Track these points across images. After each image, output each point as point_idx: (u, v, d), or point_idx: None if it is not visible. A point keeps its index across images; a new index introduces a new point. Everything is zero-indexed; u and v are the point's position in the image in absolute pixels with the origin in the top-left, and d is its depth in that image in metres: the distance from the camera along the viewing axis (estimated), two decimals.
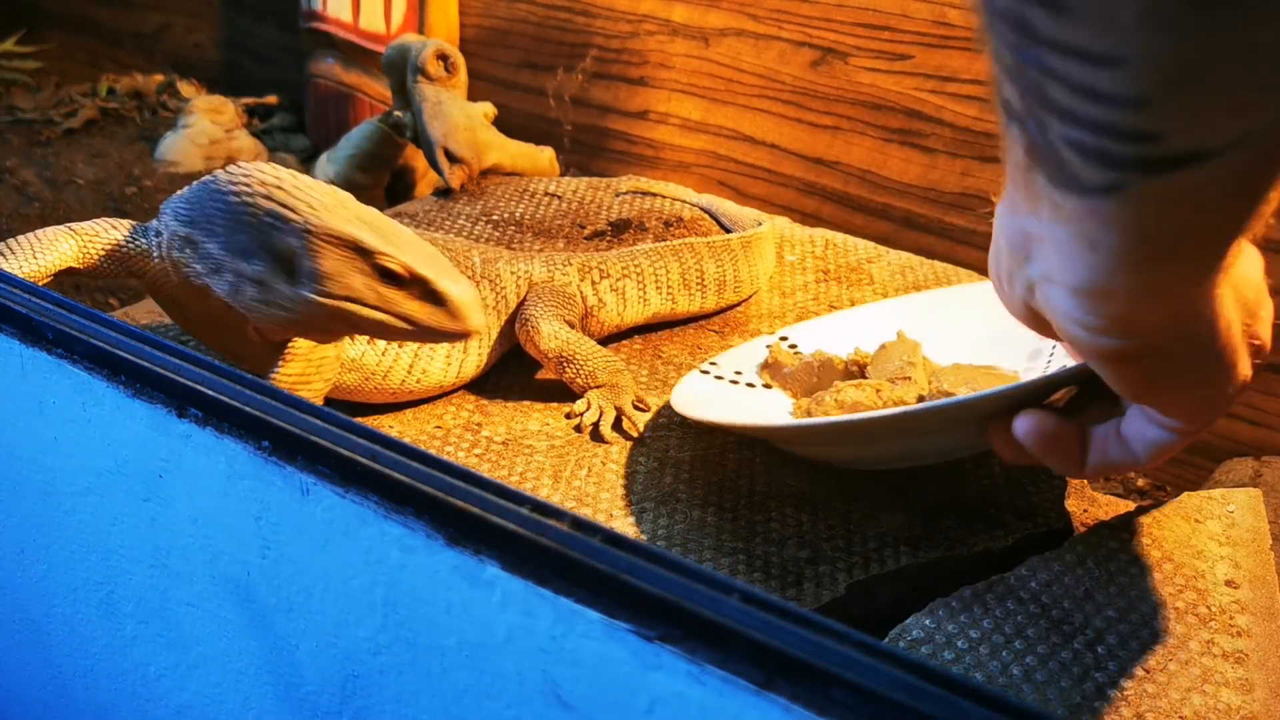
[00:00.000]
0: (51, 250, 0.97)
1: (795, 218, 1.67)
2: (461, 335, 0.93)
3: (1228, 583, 0.93)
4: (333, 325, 0.92)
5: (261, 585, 0.63)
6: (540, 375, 1.23)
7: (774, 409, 1.15)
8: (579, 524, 0.53)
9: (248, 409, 0.61)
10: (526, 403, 1.18)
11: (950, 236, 1.68)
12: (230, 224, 0.92)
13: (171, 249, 0.97)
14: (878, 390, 1.07)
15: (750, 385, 1.18)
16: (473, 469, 0.58)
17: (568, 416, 1.16)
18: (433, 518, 0.56)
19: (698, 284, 1.33)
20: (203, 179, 0.98)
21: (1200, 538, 0.98)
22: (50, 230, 0.99)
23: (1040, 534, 1.02)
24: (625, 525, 1.01)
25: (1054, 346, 1.10)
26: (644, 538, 1.00)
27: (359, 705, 0.62)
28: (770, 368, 1.18)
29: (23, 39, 2.72)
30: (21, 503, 0.75)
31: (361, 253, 0.90)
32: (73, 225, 1.00)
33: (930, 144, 1.68)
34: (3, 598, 0.82)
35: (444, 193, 1.67)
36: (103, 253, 1.00)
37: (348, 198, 0.94)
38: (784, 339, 1.24)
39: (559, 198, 1.63)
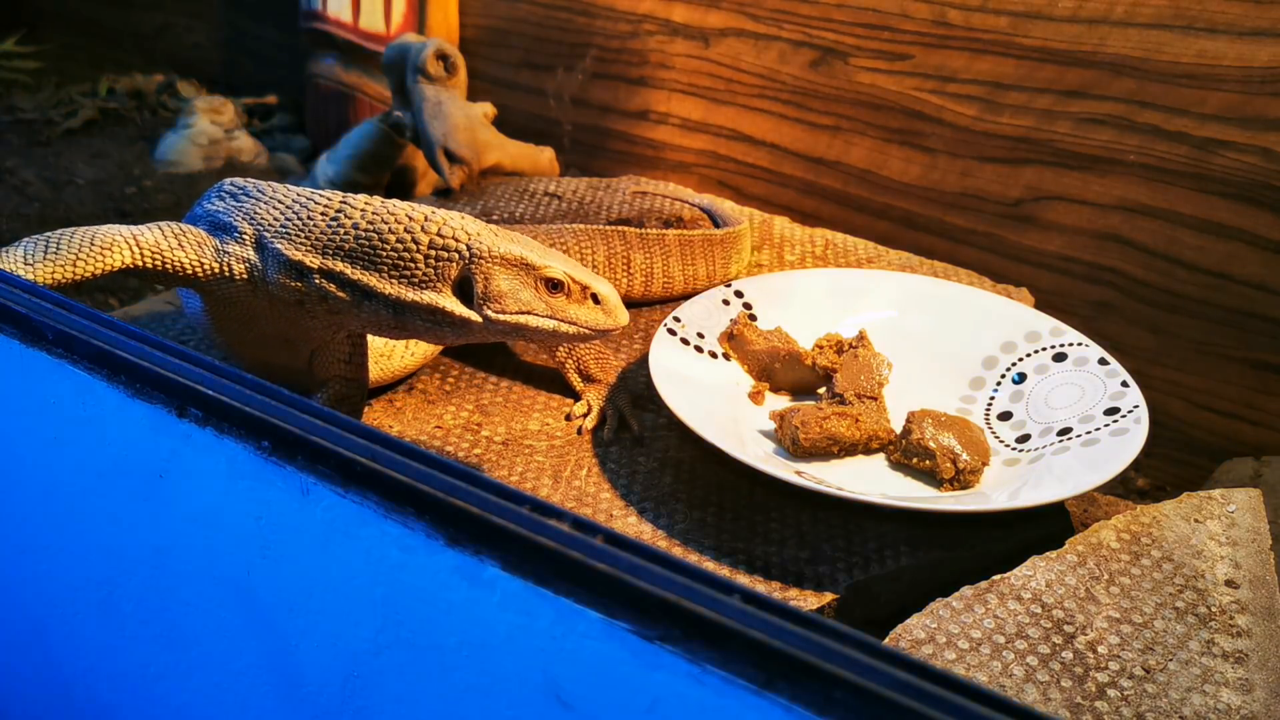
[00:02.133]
0: (101, 259, 0.95)
1: (795, 218, 1.67)
2: (614, 330, 1.00)
3: (1228, 583, 0.93)
4: (506, 338, 0.99)
5: (262, 585, 0.63)
6: (530, 356, 1.23)
7: (731, 388, 1.18)
8: (579, 524, 0.53)
9: (247, 409, 0.61)
10: (526, 403, 1.18)
11: (951, 236, 1.68)
12: (394, 257, 0.95)
13: (289, 277, 0.97)
14: (856, 420, 1.10)
15: (712, 355, 1.21)
16: (473, 469, 0.58)
17: (568, 419, 1.16)
18: (433, 518, 0.56)
19: (624, 269, 1.36)
20: (311, 202, 0.98)
21: (1200, 537, 0.98)
22: (108, 233, 0.96)
23: (1040, 534, 1.02)
24: (625, 525, 1.01)
25: (999, 380, 1.20)
26: (644, 538, 1.00)
27: (359, 705, 0.62)
28: (734, 340, 1.21)
29: (23, 39, 2.72)
30: (23, 503, 0.75)
31: (527, 268, 0.96)
32: (136, 234, 0.97)
33: (930, 144, 1.68)
34: (5, 598, 0.81)
35: (444, 193, 1.67)
36: (162, 267, 0.98)
37: (478, 221, 0.99)
38: (739, 295, 1.28)
39: (559, 198, 1.63)
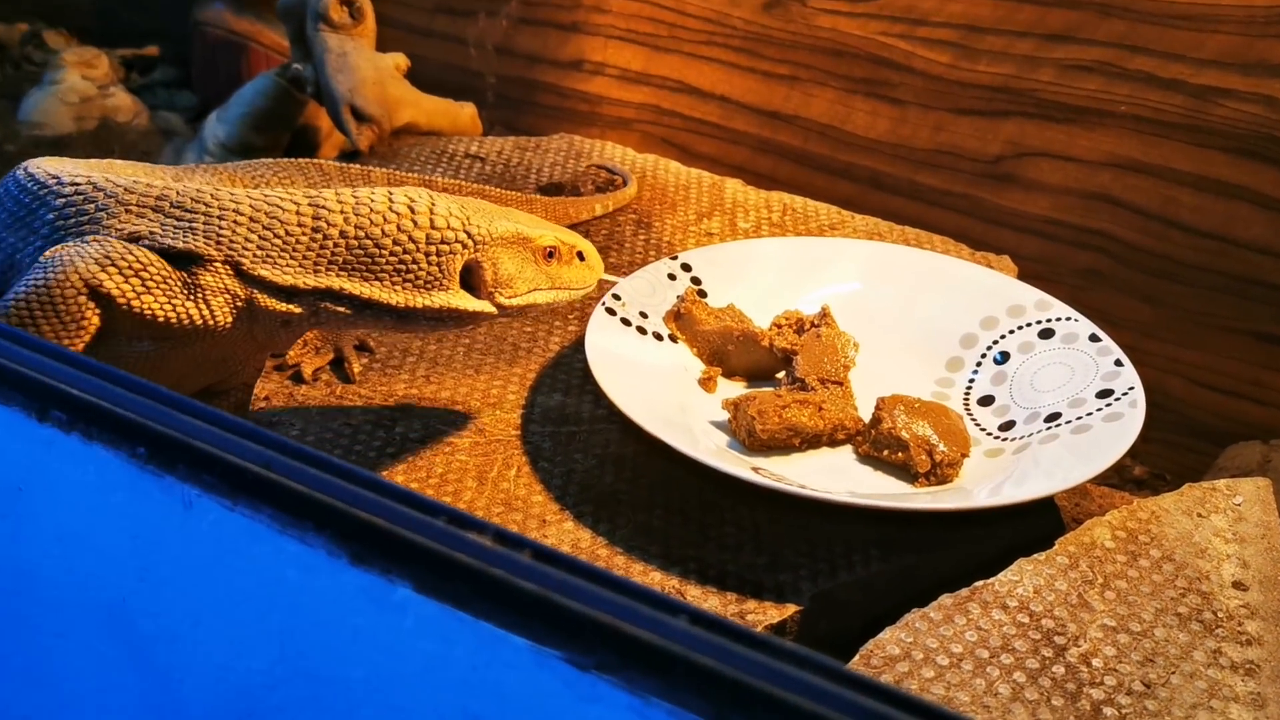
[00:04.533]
0: (81, 335, 0.90)
1: (749, 179, 1.67)
2: (595, 285, 1.07)
3: (1235, 584, 0.94)
4: (513, 318, 1.04)
5: (140, 612, 0.62)
6: (450, 340, 1.23)
7: (679, 374, 1.18)
8: (502, 537, 0.52)
9: (120, 410, 0.60)
10: (446, 395, 1.17)
11: (923, 198, 1.68)
12: (394, 262, 0.95)
13: (278, 302, 0.95)
14: (820, 408, 1.10)
15: (657, 337, 1.20)
16: (383, 475, 0.57)
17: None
18: (335, 533, 0.55)
19: None
20: (280, 210, 0.95)
21: (1204, 534, 0.98)
22: (67, 292, 0.89)
23: (1028, 533, 1.02)
24: (560, 533, 1.00)
25: (979, 360, 1.21)
26: (581, 548, 0.99)
27: None
28: (681, 320, 1.20)
29: None
30: None
31: (525, 242, 0.99)
32: (93, 283, 0.89)
33: (899, 95, 1.68)
34: None
35: (351, 155, 1.66)
36: (128, 316, 0.91)
37: (469, 201, 1.01)
38: (687, 268, 1.27)
39: (482, 159, 1.62)
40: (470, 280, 0.97)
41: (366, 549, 0.54)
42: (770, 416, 1.08)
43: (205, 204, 0.96)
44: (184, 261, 0.94)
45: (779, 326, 1.20)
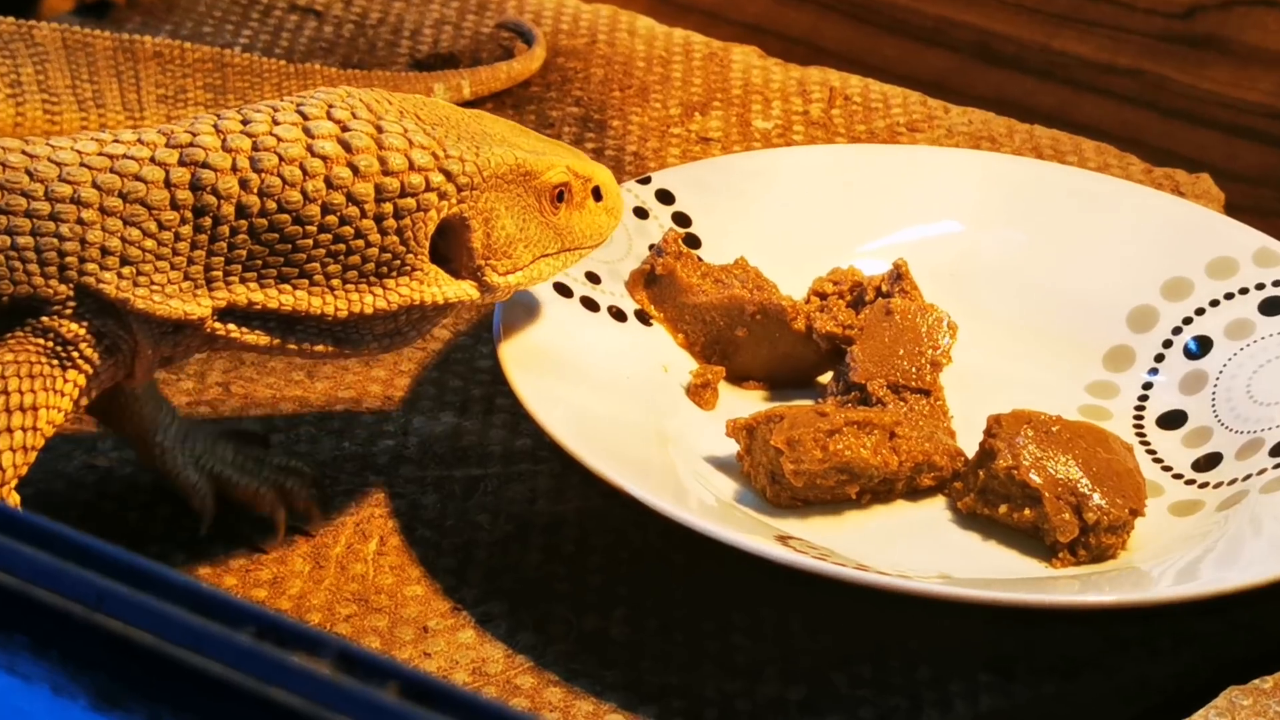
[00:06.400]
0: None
1: (771, 47, 1.67)
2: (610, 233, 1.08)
3: None
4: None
5: None
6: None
7: (654, 377, 1.19)
8: (353, 662, 0.53)
9: None
10: (257, 413, 1.17)
11: (1064, 77, 1.69)
12: (327, 243, 0.94)
13: (157, 336, 0.94)
14: (892, 434, 1.10)
15: (618, 315, 1.21)
16: (151, 559, 0.57)
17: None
18: (66, 653, 0.55)
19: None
20: (137, 181, 0.92)
21: None
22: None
23: (1242, 646, 1.03)
24: (454, 649, 1.00)
25: (1160, 351, 1.22)
26: (490, 673, 0.99)
27: None
28: (659, 286, 1.21)
29: None
30: None
31: (526, 179, 1.00)
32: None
33: None
34: None
35: (97, 8, 1.66)
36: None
37: (432, 105, 1.01)
38: (666, 199, 1.28)
39: (318, 16, 1.62)
40: (443, 249, 0.98)
41: (120, 681, 0.54)
42: (809, 449, 1.08)
43: (28, 192, 0.92)
44: (17, 314, 0.93)
45: (822, 296, 1.20)
